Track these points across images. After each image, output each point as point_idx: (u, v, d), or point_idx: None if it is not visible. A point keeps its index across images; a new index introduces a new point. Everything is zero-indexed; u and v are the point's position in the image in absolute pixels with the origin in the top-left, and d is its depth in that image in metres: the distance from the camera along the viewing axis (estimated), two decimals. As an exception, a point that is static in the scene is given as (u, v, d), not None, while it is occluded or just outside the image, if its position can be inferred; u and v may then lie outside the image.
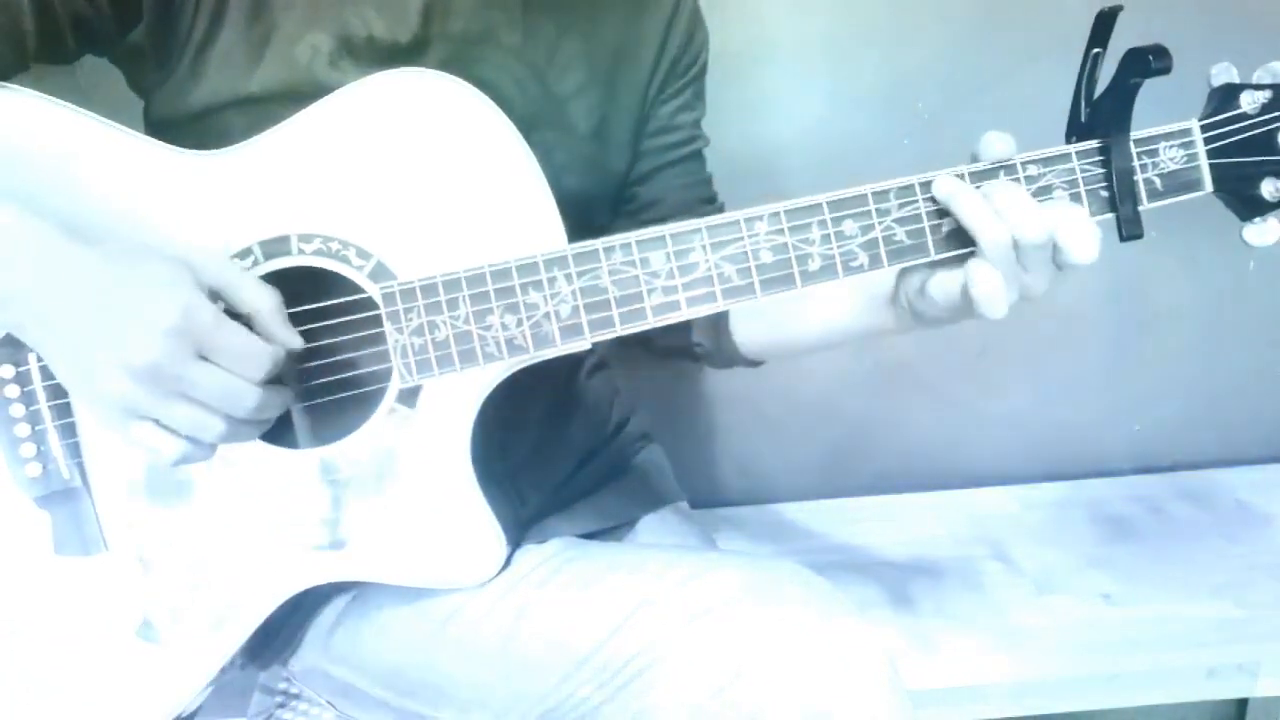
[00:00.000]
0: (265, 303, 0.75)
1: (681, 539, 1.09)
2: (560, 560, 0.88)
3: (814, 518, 1.48)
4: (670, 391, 1.46)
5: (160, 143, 0.80)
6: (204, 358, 0.71)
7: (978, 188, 0.76)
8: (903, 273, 0.82)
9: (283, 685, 1.01)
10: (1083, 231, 0.74)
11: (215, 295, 0.74)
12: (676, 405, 1.48)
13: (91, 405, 0.73)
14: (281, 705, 1.00)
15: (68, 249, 0.72)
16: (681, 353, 1.04)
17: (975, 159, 0.78)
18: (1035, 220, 0.74)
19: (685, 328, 1.01)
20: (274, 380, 0.75)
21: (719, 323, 0.99)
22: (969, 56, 1.38)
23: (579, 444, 1.08)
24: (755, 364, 1.03)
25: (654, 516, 1.10)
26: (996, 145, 0.77)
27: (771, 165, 1.37)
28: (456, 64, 0.80)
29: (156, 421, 0.72)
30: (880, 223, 0.78)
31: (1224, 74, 0.80)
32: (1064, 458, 1.57)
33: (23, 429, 0.81)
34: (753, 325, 0.98)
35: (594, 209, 0.96)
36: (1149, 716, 1.29)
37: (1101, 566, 1.33)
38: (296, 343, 0.76)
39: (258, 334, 0.74)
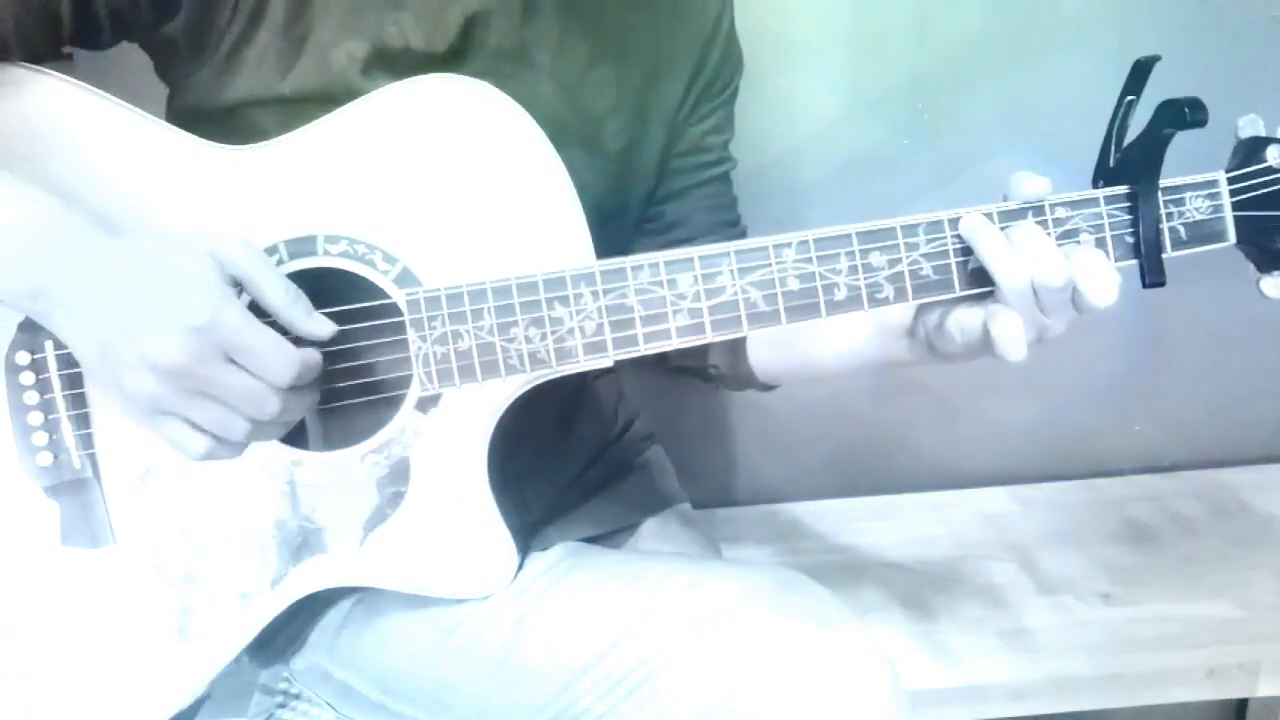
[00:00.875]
0: (286, 297, 0.74)
1: (683, 544, 1.09)
2: (561, 569, 0.89)
3: (815, 518, 1.48)
4: (674, 393, 1.46)
5: (191, 135, 0.79)
6: (231, 360, 0.71)
7: (1004, 228, 0.77)
8: (922, 307, 0.82)
9: (283, 685, 1.01)
10: (1102, 277, 0.75)
11: (238, 285, 0.73)
12: (680, 407, 1.48)
13: (117, 399, 0.73)
14: (281, 705, 0.99)
15: (100, 242, 0.72)
16: (697, 373, 1.04)
17: (1007, 198, 0.78)
18: (1055, 264, 0.74)
19: (702, 350, 1.01)
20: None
21: (736, 347, 0.99)
22: (969, 57, 1.38)
23: (584, 448, 1.08)
24: (768, 388, 1.03)
25: (656, 520, 1.10)
26: (1028, 185, 0.77)
27: (769, 165, 1.37)
28: (488, 79, 0.79)
29: (183, 418, 0.72)
30: (908, 257, 0.78)
31: (1251, 126, 0.80)
32: (1065, 458, 1.57)
33: (36, 417, 0.80)
34: (769, 351, 0.98)
35: (618, 227, 0.96)
36: (1149, 716, 1.30)
37: (1101, 566, 1.33)
38: (326, 330, 0.76)
39: (282, 330, 0.74)
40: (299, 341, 0.73)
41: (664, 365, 1.04)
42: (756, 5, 1.30)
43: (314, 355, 0.74)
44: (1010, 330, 0.75)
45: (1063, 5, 1.36)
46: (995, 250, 0.75)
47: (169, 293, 0.70)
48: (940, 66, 1.38)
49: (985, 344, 0.77)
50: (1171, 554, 1.36)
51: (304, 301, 0.75)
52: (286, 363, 0.72)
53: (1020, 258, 0.75)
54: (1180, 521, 1.45)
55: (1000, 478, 1.55)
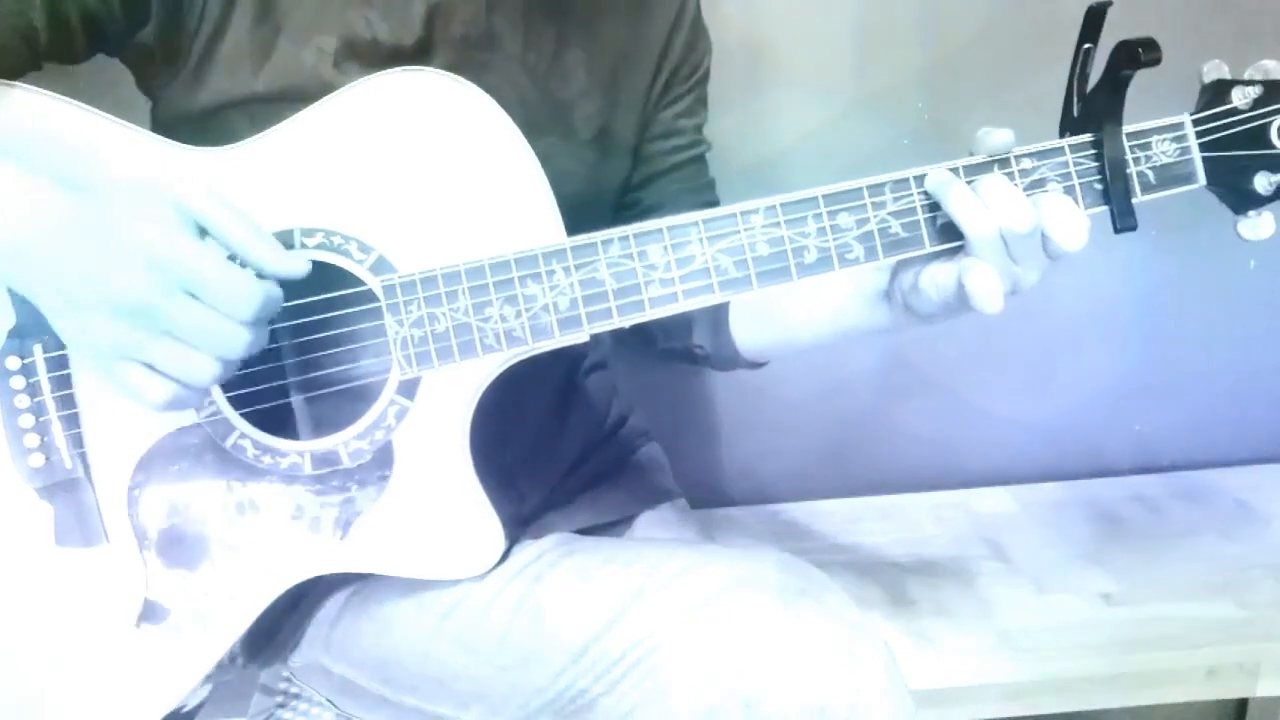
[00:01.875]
0: (252, 236, 0.71)
1: (679, 534, 1.09)
2: (557, 555, 0.89)
3: (814, 518, 1.47)
4: (670, 391, 1.47)
5: (167, 140, 0.81)
6: (192, 295, 0.69)
7: (970, 182, 0.77)
8: (896, 268, 0.82)
9: (283, 685, 1.01)
10: (1069, 220, 0.75)
11: (203, 232, 0.71)
12: (677, 405, 1.48)
13: (81, 349, 0.72)
14: (281, 705, 0.99)
15: (61, 195, 0.71)
16: (683, 355, 1.04)
17: (972, 153, 0.78)
18: (1021, 211, 0.74)
19: (686, 330, 1.01)
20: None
21: (719, 324, 0.99)
22: (971, 57, 1.39)
23: (577, 441, 1.08)
24: (756, 365, 1.03)
25: (652, 513, 1.10)
26: (992, 138, 0.77)
27: (769, 165, 1.38)
28: (459, 69, 0.81)
29: (144, 364, 0.71)
30: (875, 215, 0.79)
31: (1215, 70, 0.81)
32: (1064, 458, 1.56)
33: (27, 419, 0.82)
34: (750, 324, 0.98)
35: (594, 214, 0.97)
36: (1149, 716, 1.28)
37: (1101, 566, 1.33)
38: (299, 266, 0.73)
39: (253, 271, 0.72)
40: None
41: (651, 349, 1.05)
42: (758, 5, 1.33)
43: (276, 289, 0.72)
44: (984, 282, 0.75)
45: (1065, 5, 1.36)
46: (962, 203, 0.76)
47: (128, 233, 0.69)
48: (942, 66, 1.39)
49: (960, 299, 0.77)
50: (1171, 554, 1.36)
51: (271, 240, 0.73)
52: (249, 294, 0.69)
53: (986, 209, 0.75)
54: (1180, 522, 1.44)
55: (1000, 478, 1.55)
